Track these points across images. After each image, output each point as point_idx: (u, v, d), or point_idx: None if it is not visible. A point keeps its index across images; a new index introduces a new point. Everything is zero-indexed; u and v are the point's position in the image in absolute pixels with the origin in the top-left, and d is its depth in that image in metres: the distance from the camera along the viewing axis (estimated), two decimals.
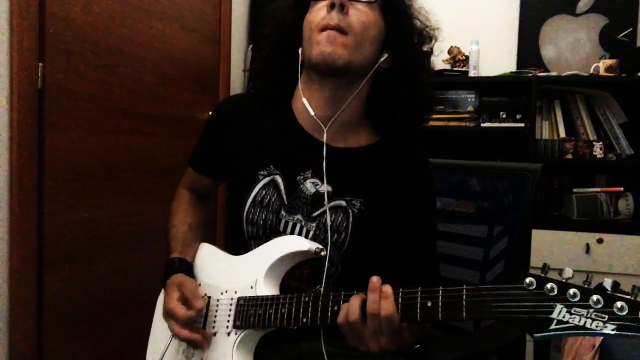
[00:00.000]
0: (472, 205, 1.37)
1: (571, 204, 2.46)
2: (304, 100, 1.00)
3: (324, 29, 0.93)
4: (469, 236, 1.33)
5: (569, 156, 2.47)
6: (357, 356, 0.88)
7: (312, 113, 0.99)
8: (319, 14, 0.96)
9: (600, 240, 2.30)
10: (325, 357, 0.90)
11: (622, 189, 2.47)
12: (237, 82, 2.55)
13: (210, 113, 2.21)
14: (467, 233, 1.33)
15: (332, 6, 0.93)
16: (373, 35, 0.97)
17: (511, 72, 2.59)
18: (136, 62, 1.84)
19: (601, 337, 1.37)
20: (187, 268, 1.04)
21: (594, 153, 2.44)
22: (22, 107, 1.42)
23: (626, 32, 2.54)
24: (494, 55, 2.68)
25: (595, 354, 1.38)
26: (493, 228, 1.29)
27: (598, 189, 2.50)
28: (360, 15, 0.95)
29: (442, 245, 1.31)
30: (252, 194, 1.01)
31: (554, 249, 2.33)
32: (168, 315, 0.96)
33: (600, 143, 2.44)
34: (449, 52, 2.68)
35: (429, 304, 0.75)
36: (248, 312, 0.92)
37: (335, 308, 0.83)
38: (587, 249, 2.31)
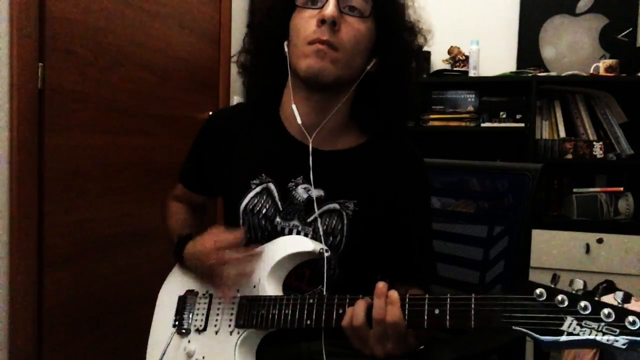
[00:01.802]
0: (472, 205, 1.37)
1: (571, 204, 2.46)
2: (293, 106, 0.98)
3: (313, 42, 0.91)
4: (469, 236, 1.33)
5: (569, 156, 2.47)
6: (358, 356, 0.88)
7: (300, 122, 0.97)
8: (309, 25, 0.92)
9: (600, 240, 2.30)
10: (325, 358, 0.90)
11: (622, 189, 2.47)
12: (237, 82, 2.55)
13: (210, 113, 2.23)
14: (467, 233, 1.33)
15: (322, 21, 0.90)
16: (364, 48, 0.95)
17: (511, 72, 2.59)
18: (136, 62, 1.84)
19: None
20: None
21: (594, 153, 2.44)
22: (22, 107, 1.42)
23: (626, 32, 2.54)
24: (494, 55, 2.68)
25: (595, 354, 1.38)
26: (493, 228, 1.28)
27: (598, 189, 2.50)
28: (351, 30, 0.92)
29: (442, 245, 1.31)
30: (244, 203, 1.01)
31: (554, 249, 2.33)
32: (217, 247, 0.92)
33: (600, 143, 2.44)
34: (449, 52, 2.68)
35: (437, 311, 0.75)
36: (251, 311, 0.92)
37: (340, 311, 0.83)
38: (587, 249, 2.31)
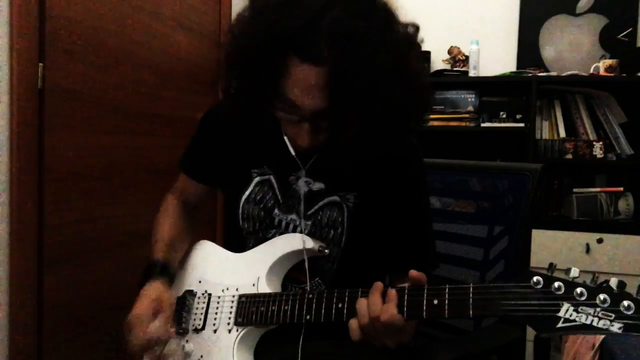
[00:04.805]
0: (472, 205, 1.37)
1: (571, 204, 2.46)
2: (286, 138, 0.96)
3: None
4: (469, 236, 1.32)
5: (569, 156, 2.47)
6: (357, 356, 0.88)
7: (293, 153, 0.96)
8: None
9: (600, 240, 2.30)
10: (299, 357, 0.90)
11: (622, 189, 2.47)
12: None
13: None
14: (467, 233, 1.33)
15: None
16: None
17: (511, 72, 2.59)
18: (136, 62, 1.84)
19: (601, 337, 1.37)
20: (169, 275, 1.02)
21: (594, 153, 2.44)
22: (22, 107, 1.42)
23: (626, 32, 2.54)
24: (494, 55, 2.69)
25: (595, 354, 1.38)
26: (493, 228, 1.28)
27: (598, 189, 2.50)
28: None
29: (442, 245, 1.31)
30: (247, 192, 1.02)
31: (554, 249, 2.33)
32: (137, 320, 0.93)
33: (600, 143, 2.44)
34: (449, 52, 2.68)
35: (436, 301, 0.75)
36: (250, 309, 0.92)
37: (340, 305, 0.83)
38: (587, 249, 2.31)
